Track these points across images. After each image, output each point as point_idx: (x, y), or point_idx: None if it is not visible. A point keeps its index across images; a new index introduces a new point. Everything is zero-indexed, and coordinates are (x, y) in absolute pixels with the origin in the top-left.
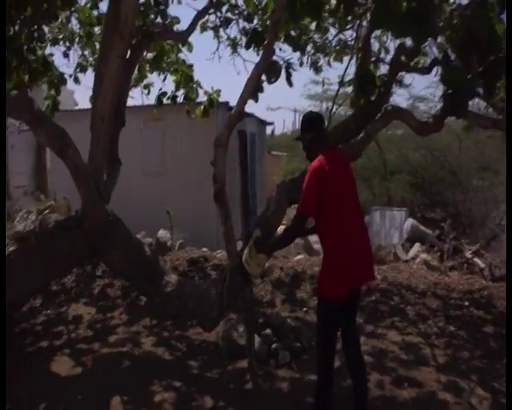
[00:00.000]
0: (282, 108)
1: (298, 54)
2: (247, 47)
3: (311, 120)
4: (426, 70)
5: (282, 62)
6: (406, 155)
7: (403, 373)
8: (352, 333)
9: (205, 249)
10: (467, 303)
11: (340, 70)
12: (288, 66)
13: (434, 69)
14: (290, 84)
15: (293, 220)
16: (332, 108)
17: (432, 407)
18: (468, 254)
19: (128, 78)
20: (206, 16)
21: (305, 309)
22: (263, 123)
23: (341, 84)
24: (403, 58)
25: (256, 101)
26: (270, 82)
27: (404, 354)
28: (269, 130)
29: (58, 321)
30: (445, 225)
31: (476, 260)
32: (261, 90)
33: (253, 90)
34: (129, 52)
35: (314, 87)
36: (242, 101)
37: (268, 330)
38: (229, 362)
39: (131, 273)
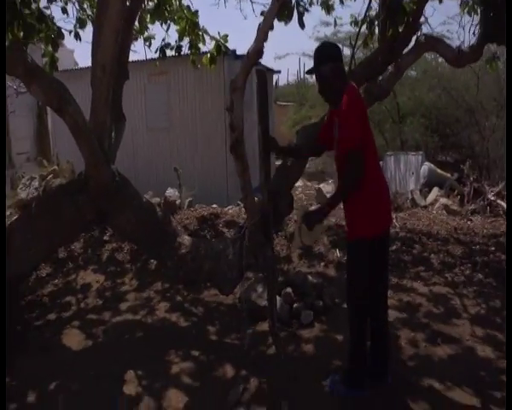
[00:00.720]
0: (290, 54)
1: None
2: None
3: (330, 48)
4: None
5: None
6: (420, 97)
7: (435, 328)
8: (383, 291)
9: (215, 206)
10: (493, 248)
11: (353, 9)
12: (299, 5)
13: None
14: (302, 25)
15: (351, 161)
16: (354, 47)
17: (474, 364)
18: (491, 196)
19: (130, 27)
20: None
21: (323, 263)
22: (269, 71)
23: (364, 20)
24: None
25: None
26: (283, 22)
27: (433, 306)
28: (276, 78)
29: (66, 291)
30: (465, 166)
31: (500, 201)
32: (271, 27)
33: (272, 20)
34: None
35: (324, 29)
36: (261, 35)
37: (288, 289)
38: (248, 325)
39: (141, 237)
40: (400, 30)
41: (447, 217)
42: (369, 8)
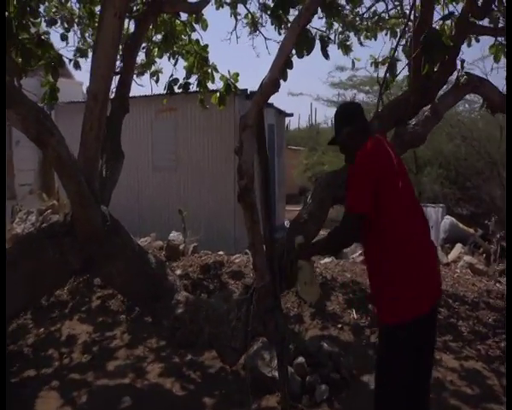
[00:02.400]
0: (303, 94)
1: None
2: (273, 14)
3: (346, 110)
4: (500, 31)
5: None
6: (439, 147)
7: None
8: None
9: (221, 253)
10: None
11: (373, 49)
12: (323, 36)
13: None
14: (326, 55)
15: (345, 223)
16: (381, 87)
17: None
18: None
19: (132, 56)
20: None
21: (339, 326)
22: (281, 113)
23: (392, 57)
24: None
25: (285, 79)
26: (300, 55)
27: (466, 385)
28: (287, 121)
29: (50, 342)
30: (490, 222)
31: None
32: (290, 66)
33: (289, 53)
34: (133, 27)
35: (338, 74)
36: (278, 64)
37: (301, 359)
38: (253, 400)
39: (134, 290)
40: (435, 68)
41: (473, 277)
42: (397, 46)
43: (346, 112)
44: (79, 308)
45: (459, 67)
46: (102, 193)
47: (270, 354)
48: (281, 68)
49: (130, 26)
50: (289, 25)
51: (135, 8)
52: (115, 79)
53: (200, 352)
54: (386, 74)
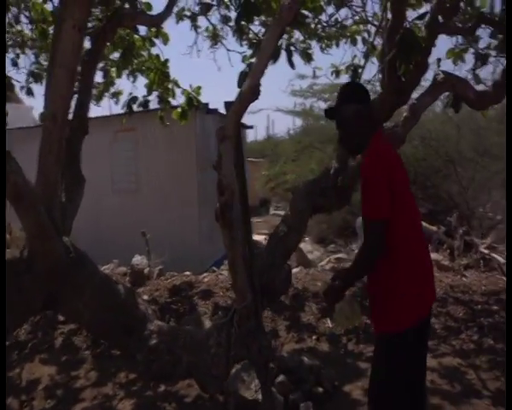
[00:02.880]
0: (263, 109)
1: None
2: (238, 22)
3: (356, 88)
4: (470, 30)
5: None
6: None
7: None
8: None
9: (188, 273)
10: (496, 307)
11: (334, 57)
12: (289, 44)
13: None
14: (292, 65)
15: (371, 233)
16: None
17: None
18: (484, 249)
19: (90, 73)
20: (183, 1)
21: (314, 337)
22: (243, 126)
23: (367, 56)
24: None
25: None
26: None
27: (446, 383)
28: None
29: (8, 390)
30: (452, 219)
31: (494, 255)
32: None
33: (270, 57)
34: (90, 44)
35: (299, 82)
36: (257, 71)
37: (282, 377)
38: None
39: (103, 324)
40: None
41: (440, 273)
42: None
43: (358, 88)
44: (40, 348)
45: (436, 66)
46: (63, 222)
47: (250, 376)
48: (262, 74)
49: (85, 43)
50: (267, 28)
51: (90, 24)
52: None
53: (175, 381)
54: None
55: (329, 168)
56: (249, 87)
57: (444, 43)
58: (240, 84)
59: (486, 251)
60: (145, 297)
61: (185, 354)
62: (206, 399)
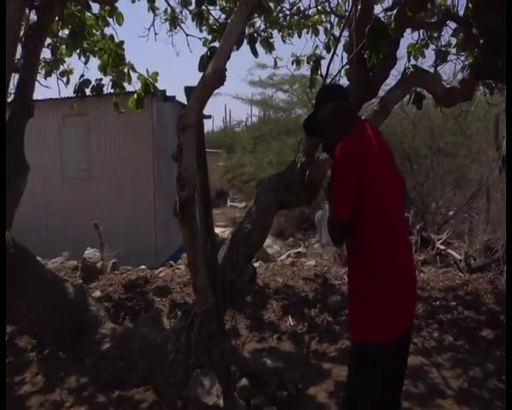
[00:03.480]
0: (221, 94)
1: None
2: (199, 3)
3: (331, 88)
4: (436, 24)
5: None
6: None
7: None
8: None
9: (143, 267)
10: (453, 303)
11: (295, 47)
12: (253, 32)
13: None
14: (255, 52)
15: (331, 228)
16: (325, 79)
17: None
18: (440, 245)
19: (35, 49)
20: None
21: (276, 335)
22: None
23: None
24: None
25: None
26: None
27: (411, 384)
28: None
29: None
30: (409, 214)
31: (450, 251)
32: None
33: (236, 39)
34: (36, 16)
35: (259, 72)
36: (222, 54)
37: (244, 381)
38: None
39: (48, 327)
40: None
41: None
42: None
43: (332, 87)
44: None
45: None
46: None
47: (211, 381)
48: (227, 58)
49: (31, 17)
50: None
51: None
52: (14, 78)
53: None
54: (328, 66)
55: (296, 162)
56: (213, 71)
57: (407, 39)
58: (201, 68)
59: (443, 247)
60: (97, 293)
61: (141, 359)
62: (163, 405)
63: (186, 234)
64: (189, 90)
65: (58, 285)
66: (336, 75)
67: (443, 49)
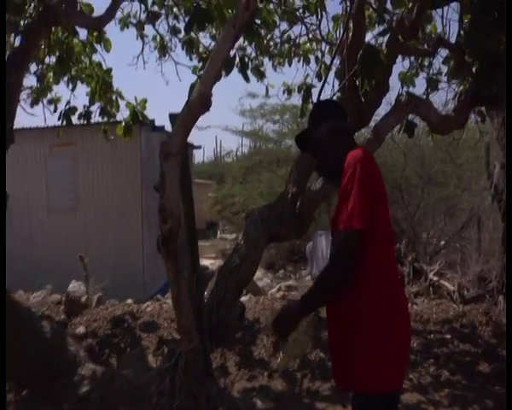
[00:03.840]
0: (211, 127)
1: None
2: (188, 29)
3: (327, 106)
4: (430, 52)
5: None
6: None
7: None
8: None
9: (130, 301)
10: (449, 336)
11: (286, 76)
12: (244, 56)
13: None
14: (246, 77)
15: (343, 245)
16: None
17: None
18: (433, 276)
19: (17, 74)
20: (129, 7)
21: (267, 373)
22: (189, 146)
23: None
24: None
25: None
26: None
27: None
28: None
29: None
30: (401, 245)
31: (443, 282)
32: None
33: (223, 61)
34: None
35: (250, 100)
36: (208, 78)
37: None
38: None
39: (24, 370)
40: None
41: None
42: (332, 60)
43: (328, 104)
44: None
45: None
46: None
47: None
48: (213, 81)
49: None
50: (225, 27)
51: (22, 22)
52: None
53: None
54: (320, 92)
55: (286, 193)
56: (199, 96)
57: (398, 67)
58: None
59: (435, 278)
60: (81, 329)
61: (122, 403)
62: None
63: (170, 269)
64: (173, 118)
65: (34, 324)
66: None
67: (434, 77)
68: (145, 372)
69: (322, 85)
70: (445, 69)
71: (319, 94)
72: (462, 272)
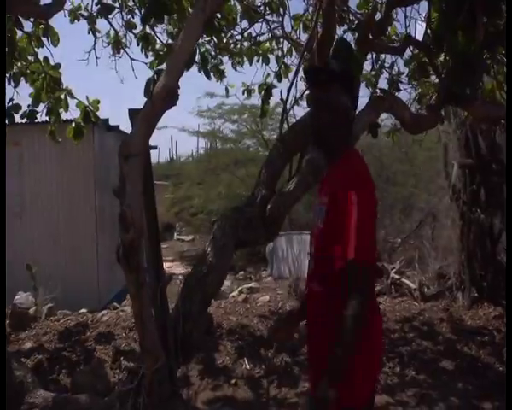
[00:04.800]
0: (167, 127)
1: None
2: (145, 21)
3: (351, 75)
4: (399, 50)
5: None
6: None
7: None
8: None
9: (84, 311)
10: (411, 335)
11: (245, 76)
12: (205, 52)
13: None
14: (208, 75)
15: (357, 285)
16: (285, 103)
17: None
18: (394, 275)
19: None
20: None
21: (232, 381)
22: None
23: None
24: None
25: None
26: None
27: None
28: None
29: None
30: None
31: (404, 280)
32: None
33: (192, 49)
34: None
35: (207, 100)
36: (174, 68)
37: None
38: None
39: None
40: None
41: None
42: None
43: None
44: None
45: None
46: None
47: None
48: (180, 73)
49: None
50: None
51: None
52: None
53: None
54: (289, 90)
55: (255, 195)
56: (164, 88)
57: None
58: (147, 93)
59: (397, 276)
60: (28, 345)
61: None
62: None
63: (131, 283)
64: (133, 114)
65: None
66: (296, 102)
67: (395, 78)
68: (103, 393)
69: (293, 81)
70: (406, 70)
71: (288, 90)
72: (421, 269)
